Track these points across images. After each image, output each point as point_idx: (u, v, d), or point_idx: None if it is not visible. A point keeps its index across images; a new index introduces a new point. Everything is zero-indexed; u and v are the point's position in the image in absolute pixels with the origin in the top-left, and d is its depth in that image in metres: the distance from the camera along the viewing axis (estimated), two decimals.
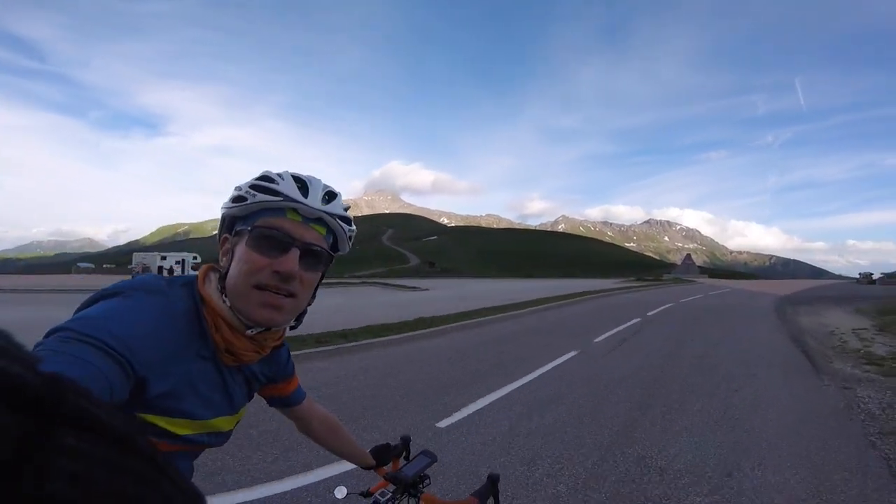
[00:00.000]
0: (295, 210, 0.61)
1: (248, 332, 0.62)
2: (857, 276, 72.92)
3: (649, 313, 11.87)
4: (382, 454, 1.08)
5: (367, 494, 1.00)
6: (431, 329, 8.34)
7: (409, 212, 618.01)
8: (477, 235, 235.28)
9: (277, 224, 0.60)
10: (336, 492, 0.98)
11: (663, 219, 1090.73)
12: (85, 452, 0.17)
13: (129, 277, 0.68)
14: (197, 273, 0.65)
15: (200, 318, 0.60)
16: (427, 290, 26.06)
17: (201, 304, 0.61)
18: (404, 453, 1.13)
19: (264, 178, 0.63)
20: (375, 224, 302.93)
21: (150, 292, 0.57)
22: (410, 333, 7.76)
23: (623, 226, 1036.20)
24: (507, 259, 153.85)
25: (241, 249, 0.60)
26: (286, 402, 0.89)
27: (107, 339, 0.47)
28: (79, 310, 0.54)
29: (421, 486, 1.02)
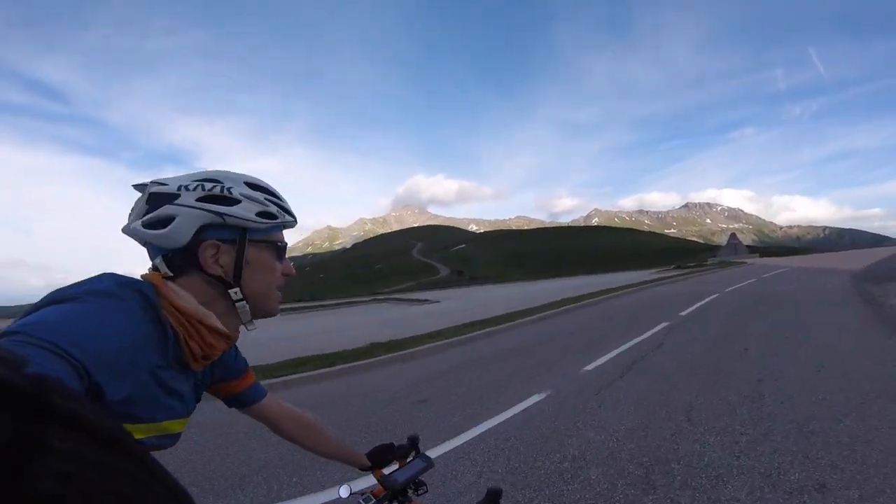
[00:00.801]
0: (285, 225, 0.72)
1: (249, 328, 0.70)
2: None
3: (683, 312, 8.81)
4: (382, 455, 1.04)
5: (368, 497, 0.94)
6: (371, 360, 6.38)
7: (437, 223, 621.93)
8: (506, 239, 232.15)
9: (283, 238, 0.72)
10: (340, 490, 0.97)
11: (702, 201, 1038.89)
12: (75, 453, 0.17)
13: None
14: (139, 278, 0.63)
15: (163, 325, 0.58)
16: (437, 302, 24.36)
17: (165, 312, 0.59)
18: (411, 455, 1.05)
19: (278, 196, 0.71)
20: (405, 239, 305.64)
21: (107, 297, 0.55)
22: (323, 370, 5.91)
23: (660, 213, 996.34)
24: (537, 259, 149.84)
25: (264, 259, 0.68)
26: (243, 401, 0.87)
27: (63, 344, 0.45)
28: (28, 313, 0.51)
29: (414, 492, 0.98)
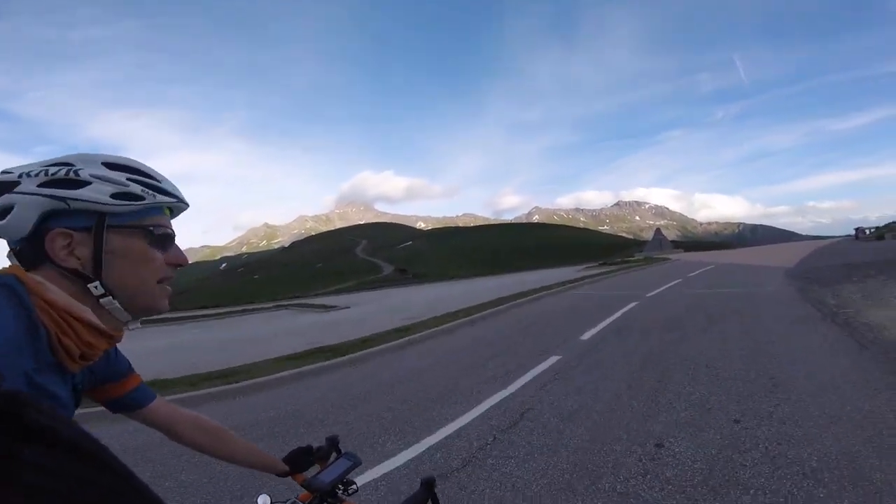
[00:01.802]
0: (169, 207, 0.65)
1: (131, 326, 0.63)
2: (854, 232, 60.27)
3: (585, 335, 6.95)
4: (301, 459, 1.00)
5: (295, 503, 0.92)
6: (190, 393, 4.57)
7: (384, 221, 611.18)
8: (452, 236, 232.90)
9: (164, 222, 0.63)
10: (259, 500, 0.91)
11: (632, 199, 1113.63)
12: (50, 468, 0.17)
13: None
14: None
15: (34, 322, 0.54)
16: (346, 308, 22.23)
17: (38, 310, 0.55)
18: (332, 455, 1.03)
19: (148, 175, 0.63)
20: (349, 237, 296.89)
21: None
22: None
23: (595, 210, 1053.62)
24: (481, 256, 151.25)
25: (133, 248, 0.60)
26: (128, 405, 0.82)
27: None
28: None
29: (344, 492, 0.95)
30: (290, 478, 1.00)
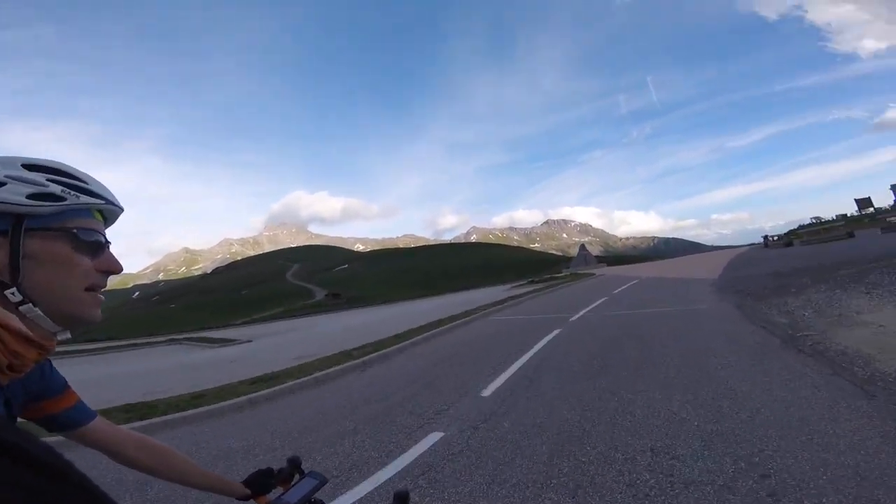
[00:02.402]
0: (101, 211, 0.61)
1: (61, 336, 0.59)
2: (763, 240, 60.62)
3: (490, 388, 5.08)
4: (261, 481, 0.96)
5: None
6: None
7: (318, 243, 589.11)
8: (390, 258, 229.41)
9: (93, 226, 0.59)
10: None
11: (559, 218, 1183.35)
12: (16, 483, 0.17)
13: None
14: None
15: None
16: (249, 342, 19.64)
17: None
18: (296, 477, 0.99)
19: (72, 176, 0.59)
20: (278, 261, 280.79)
21: None
22: None
23: (526, 229, 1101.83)
24: (419, 277, 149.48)
25: (55, 252, 0.56)
26: (65, 423, 0.77)
27: None
28: None
29: None
30: (251, 501, 0.95)
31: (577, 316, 10.88)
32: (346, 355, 8.57)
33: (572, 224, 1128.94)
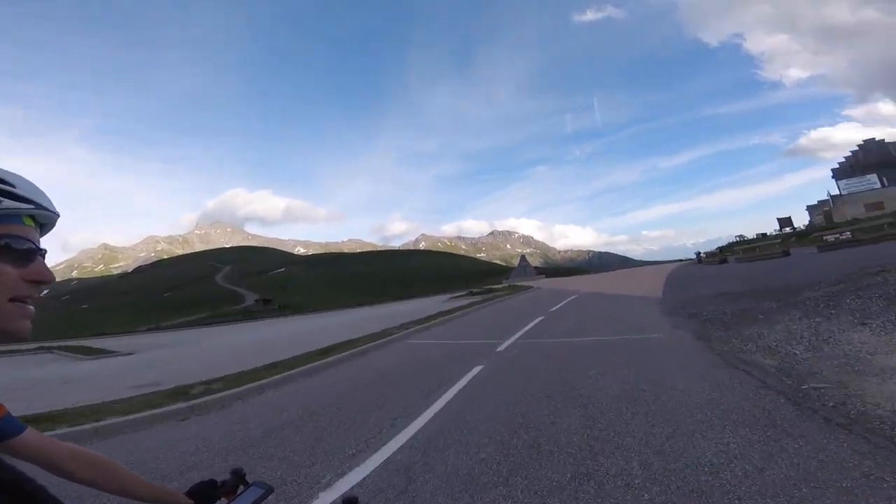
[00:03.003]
0: (32, 217, 0.57)
1: None
2: (696, 256, 59.98)
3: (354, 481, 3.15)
4: (206, 492, 0.93)
5: None
6: None
7: (255, 244, 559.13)
8: (333, 263, 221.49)
9: (22, 233, 0.55)
10: None
11: (504, 229, 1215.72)
12: None
13: None
14: None
15: None
16: (129, 354, 17.74)
17: None
18: (240, 488, 0.96)
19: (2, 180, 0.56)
20: (209, 262, 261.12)
21: None
22: None
23: (473, 239, 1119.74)
24: (363, 284, 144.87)
25: None
26: None
27: None
28: None
29: None
30: None
31: (506, 344, 8.93)
32: (179, 394, 6.34)
33: (516, 235, 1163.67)
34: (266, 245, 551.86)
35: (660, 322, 9.72)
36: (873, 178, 64.00)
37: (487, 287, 41.47)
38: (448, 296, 38.04)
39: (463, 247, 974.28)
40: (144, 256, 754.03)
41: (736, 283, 15.85)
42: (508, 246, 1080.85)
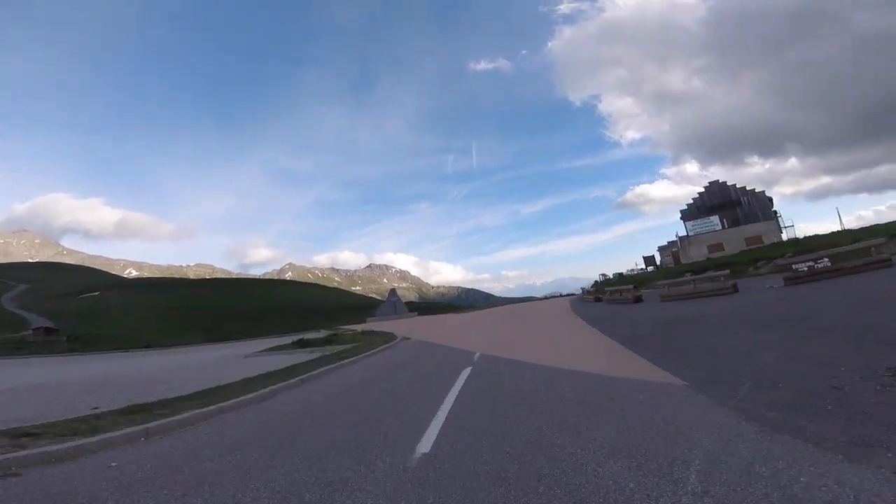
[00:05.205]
0: None
1: None
2: (585, 289, 58.34)
3: None
4: None
5: None
6: None
7: (70, 261, 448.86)
8: (169, 289, 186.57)
9: None
10: None
11: (382, 263, 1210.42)
12: None
13: None
14: None
15: None
16: None
17: None
18: None
19: None
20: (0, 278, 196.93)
21: None
22: None
23: (349, 271, 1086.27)
24: (201, 317, 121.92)
25: None
26: None
27: None
28: None
29: None
30: None
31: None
32: None
33: (393, 270, 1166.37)
34: (85, 263, 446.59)
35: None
36: (715, 219, 64.78)
37: (334, 332, 29.76)
38: (275, 340, 29.26)
39: (336, 279, 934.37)
40: None
41: (711, 338, 8.87)
42: (385, 280, 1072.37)
